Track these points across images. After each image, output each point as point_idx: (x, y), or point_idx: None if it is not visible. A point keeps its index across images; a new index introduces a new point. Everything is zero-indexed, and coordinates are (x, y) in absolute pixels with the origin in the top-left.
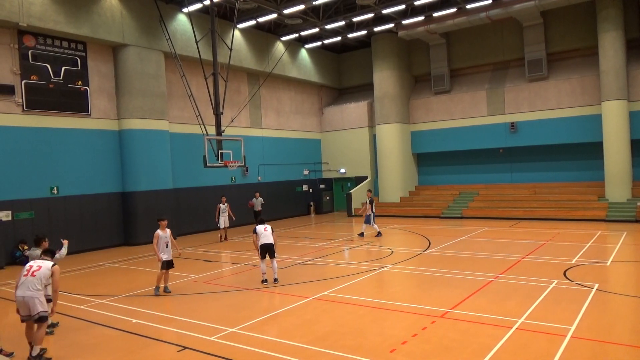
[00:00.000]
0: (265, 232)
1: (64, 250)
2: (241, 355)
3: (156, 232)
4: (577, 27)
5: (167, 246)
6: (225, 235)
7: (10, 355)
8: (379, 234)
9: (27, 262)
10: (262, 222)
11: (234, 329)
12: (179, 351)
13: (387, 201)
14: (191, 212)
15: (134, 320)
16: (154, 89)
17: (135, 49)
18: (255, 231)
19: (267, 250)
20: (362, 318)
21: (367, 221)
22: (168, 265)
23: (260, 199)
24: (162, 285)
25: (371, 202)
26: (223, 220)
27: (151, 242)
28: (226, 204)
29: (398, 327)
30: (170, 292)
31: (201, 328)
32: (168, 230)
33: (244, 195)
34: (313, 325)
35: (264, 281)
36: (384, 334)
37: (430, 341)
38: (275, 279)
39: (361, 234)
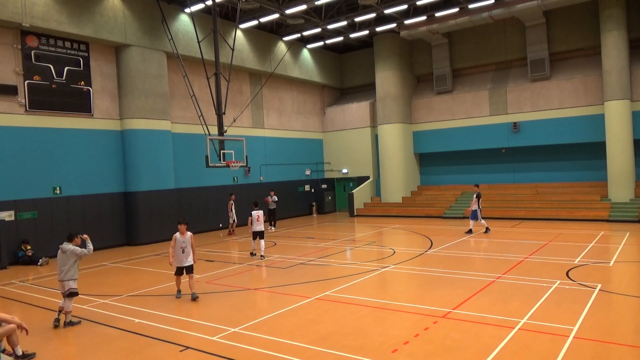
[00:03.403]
0: (257, 222)
1: (90, 246)
2: (243, 355)
3: (174, 235)
4: (580, 27)
5: (182, 252)
6: (233, 230)
7: (31, 356)
8: (487, 230)
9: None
10: (256, 205)
11: (236, 329)
12: (181, 351)
13: (389, 201)
14: (193, 212)
15: (137, 320)
16: (156, 89)
17: (137, 49)
18: (251, 214)
19: (258, 234)
20: (364, 318)
21: (474, 217)
22: (182, 271)
23: (274, 197)
24: (183, 290)
25: (478, 197)
26: (231, 216)
27: (154, 242)
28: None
29: (400, 327)
30: (196, 298)
31: (203, 328)
32: (188, 235)
33: (246, 195)
34: (315, 325)
35: (253, 254)
36: (386, 334)
37: (432, 341)
38: (262, 255)
39: (469, 231)
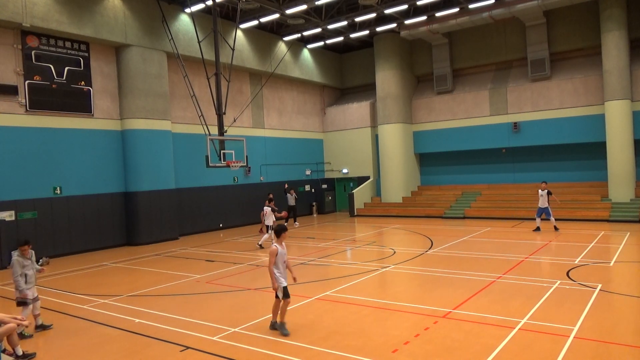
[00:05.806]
0: (265, 216)
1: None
2: (244, 355)
3: (272, 247)
4: (580, 27)
5: (286, 267)
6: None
7: (31, 356)
8: (537, 229)
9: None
10: (269, 202)
11: (236, 329)
12: (181, 351)
13: (390, 201)
14: (193, 212)
15: (137, 320)
16: (156, 89)
17: (137, 49)
18: (263, 209)
19: (267, 227)
20: (364, 318)
21: (548, 213)
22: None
23: (294, 195)
24: (279, 320)
25: (549, 194)
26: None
27: (154, 242)
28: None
29: (400, 328)
30: (288, 334)
31: (203, 328)
32: (284, 244)
33: (246, 195)
34: (315, 325)
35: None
36: (386, 334)
37: (432, 341)
38: (259, 244)
39: (556, 229)
